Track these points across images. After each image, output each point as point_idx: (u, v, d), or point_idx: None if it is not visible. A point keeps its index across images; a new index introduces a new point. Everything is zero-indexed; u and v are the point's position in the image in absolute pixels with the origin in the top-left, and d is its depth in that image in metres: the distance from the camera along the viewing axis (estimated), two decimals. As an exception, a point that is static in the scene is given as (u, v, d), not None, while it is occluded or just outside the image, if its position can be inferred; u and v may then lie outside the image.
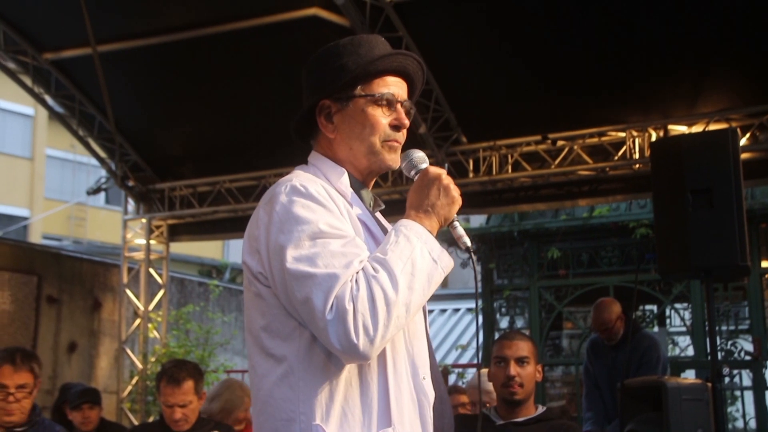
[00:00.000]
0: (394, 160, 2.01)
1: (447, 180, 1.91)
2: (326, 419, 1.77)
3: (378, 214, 2.11)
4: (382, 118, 1.97)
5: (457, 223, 1.94)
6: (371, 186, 2.08)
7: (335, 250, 1.76)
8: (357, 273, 1.74)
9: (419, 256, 1.79)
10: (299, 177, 1.90)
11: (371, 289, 1.71)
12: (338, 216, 1.84)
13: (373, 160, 1.99)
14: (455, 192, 1.92)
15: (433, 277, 1.81)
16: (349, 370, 1.80)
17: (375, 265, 1.75)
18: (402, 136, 2.01)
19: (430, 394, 1.89)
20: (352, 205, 1.93)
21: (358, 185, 2.01)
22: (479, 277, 2.03)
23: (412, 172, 2.01)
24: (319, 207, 1.82)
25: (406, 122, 2.00)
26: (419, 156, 2.02)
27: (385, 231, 2.02)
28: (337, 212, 1.84)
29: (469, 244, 1.93)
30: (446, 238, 6.69)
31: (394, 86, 2.00)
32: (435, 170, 1.93)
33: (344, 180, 1.97)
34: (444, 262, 1.83)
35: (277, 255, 1.79)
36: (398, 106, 1.99)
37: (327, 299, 1.71)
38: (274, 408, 1.82)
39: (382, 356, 1.82)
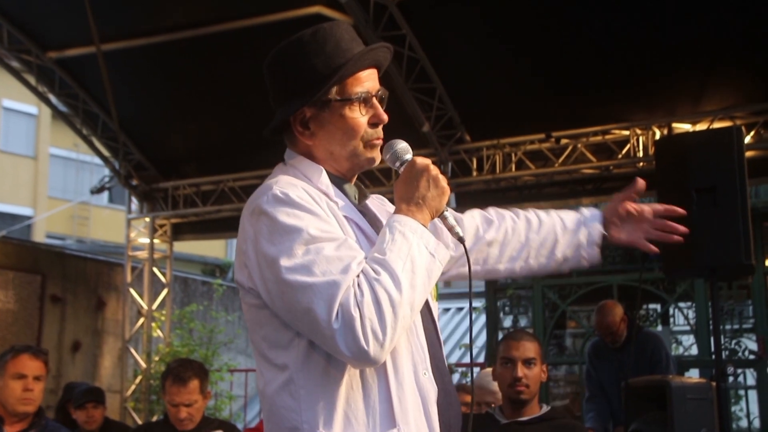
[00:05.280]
0: (375, 155, 1.95)
1: (435, 170, 1.87)
2: (329, 425, 1.75)
3: (369, 203, 2.06)
4: (360, 118, 1.91)
5: (448, 214, 1.91)
6: (354, 180, 2.03)
7: (330, 255, 1.72)
8: (358, 277, 1.70)
9: (417, 253, 1.75)
10: (279, 183, 1.83)
11: (375, 292, 1.68)
12: (325, 218, 1.79)
13: (355, 161, 1.95)
14: (444, 182, 1.87)
15: (432, 272, 1.78)
16: (350, 374, 1.78)
17: (375, 267, 1.72)
18: (381, 131, 1.96)
19: (432, 389, 1.85)
20: (337, 203, 1.89)
21: (339, 181, 1.96)
22: (472, 267, 2.04)
23: (397, 164, 1.95)
24: (304, 213, 1.77)
25: (385, 118, 1.94)
26: (403, 147, 1.96)
27: (375, 221, 1.99)
28: (323, 215, 1.80)
29: (461, 234, 1.91)
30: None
31: (368, 81, 1.93)
32: (422, 161, 1.88)
33: (324, 179, 1.91)
34: (441, 254, 1.81)
35: (270, 268, 1.75)
36: (374, 101, 1.93)
37: (331, 308, 1.68)
38: (278, 417, 1.81)
39: None
